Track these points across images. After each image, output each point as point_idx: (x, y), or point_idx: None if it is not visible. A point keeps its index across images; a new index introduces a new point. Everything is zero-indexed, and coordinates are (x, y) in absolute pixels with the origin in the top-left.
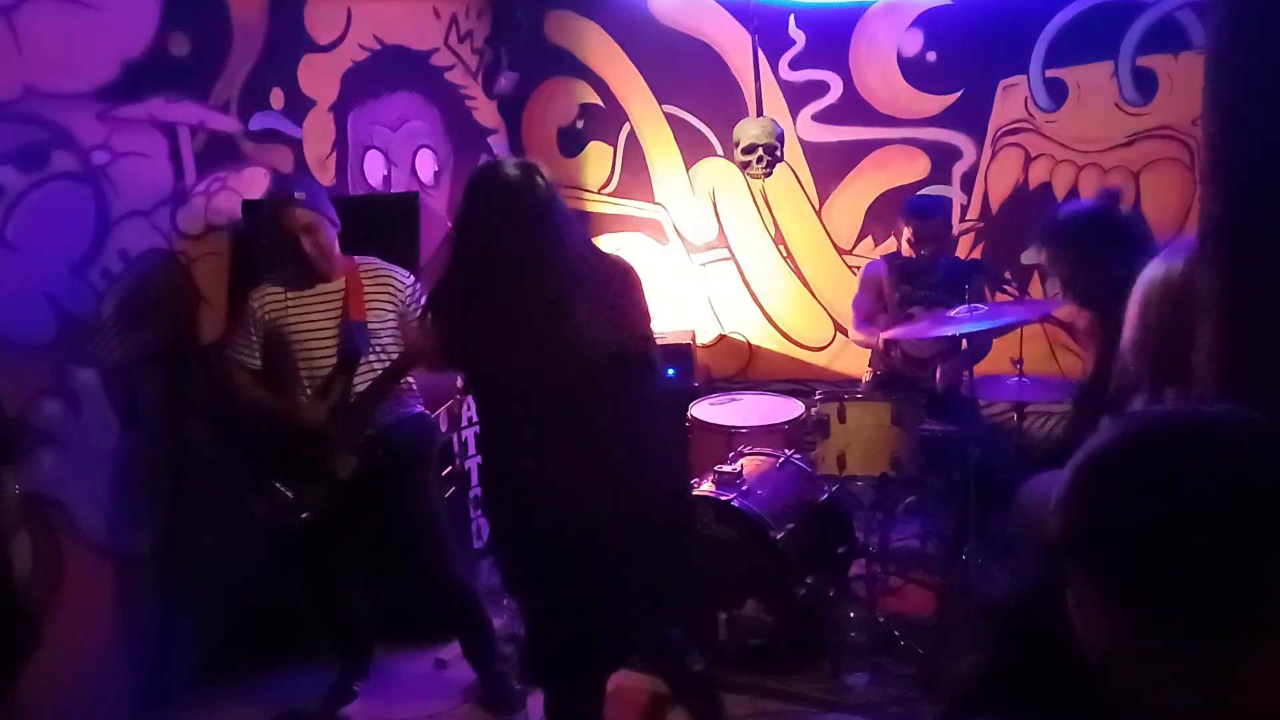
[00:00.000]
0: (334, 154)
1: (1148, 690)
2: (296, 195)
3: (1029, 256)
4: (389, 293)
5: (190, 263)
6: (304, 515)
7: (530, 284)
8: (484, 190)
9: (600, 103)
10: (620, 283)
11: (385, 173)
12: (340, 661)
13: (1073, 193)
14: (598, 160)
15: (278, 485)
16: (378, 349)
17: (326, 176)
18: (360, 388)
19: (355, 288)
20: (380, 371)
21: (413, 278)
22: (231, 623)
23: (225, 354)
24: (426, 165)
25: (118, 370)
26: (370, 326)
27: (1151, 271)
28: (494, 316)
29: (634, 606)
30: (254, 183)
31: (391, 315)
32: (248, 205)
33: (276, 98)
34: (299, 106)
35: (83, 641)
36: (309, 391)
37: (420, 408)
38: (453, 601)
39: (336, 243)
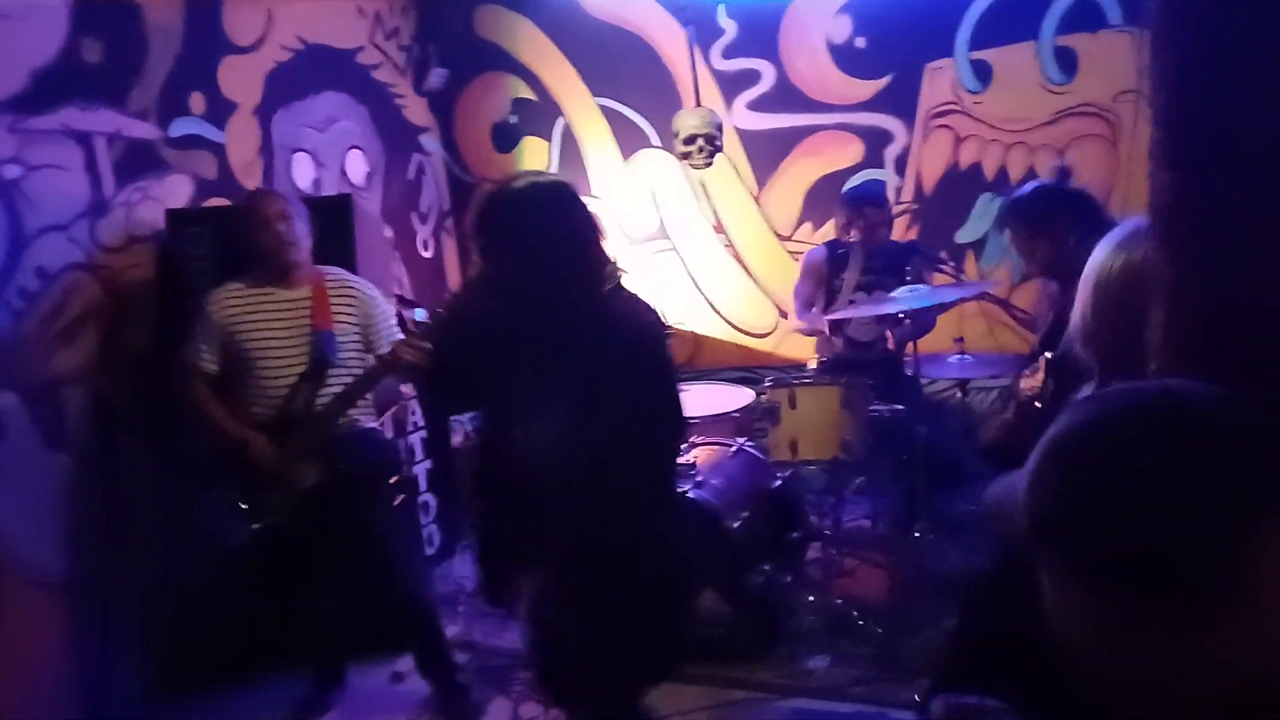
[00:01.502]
0: (260, 158)
1: (1122, 666)
2: (274, 190)
3: (967, 235)
4: (353, 305)
5: (114, 277)
6: (254, 525)
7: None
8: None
9: (533, 97)
10: None
11: (314, 176)
12: (314, 671)
13: (1002, 173)
14: (533, 155)
15: (232, 494)
16: (341, 361)
17: (253, 181)
18: (324, 398)
19: (322, 297)
20: (344, 384)
21: (377, 290)
22: (178, 644)
23: (180, 359)
24: (357, 166)
25: (41, 392)
26: (335, 338)
27: (1106, 256)
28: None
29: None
30: (177, 191)
31: (355, 328)
32: (172, 215)
33: (197, 102)
34: (221, 110)
35: (20, 676)
36: (263, 401)
37: (373, 422)
38: (407, 615)
39: (308, 248)
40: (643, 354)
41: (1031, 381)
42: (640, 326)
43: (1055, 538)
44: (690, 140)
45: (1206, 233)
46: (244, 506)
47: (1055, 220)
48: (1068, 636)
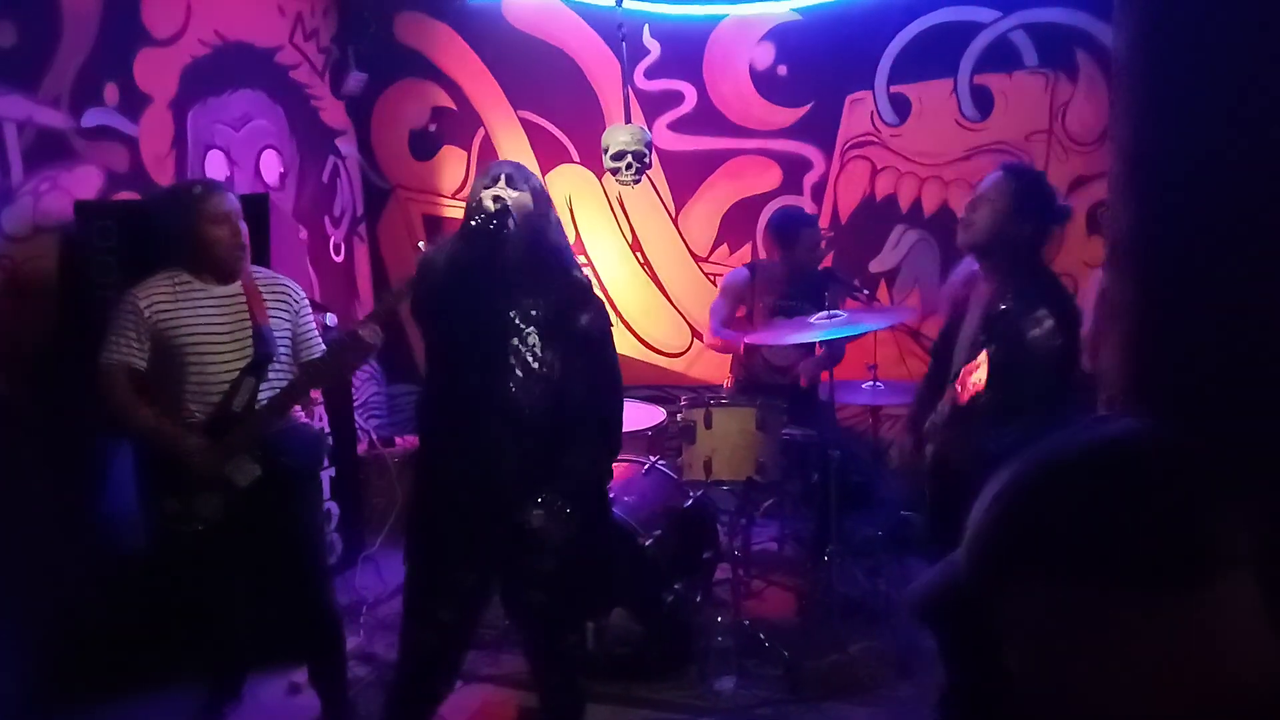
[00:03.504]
0: (173, 153)
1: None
2: (224, 183)
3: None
4: (286, 303)
5: (15, 267)
6: (199, 526)
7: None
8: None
9: (453, 106)
10: None
11: (228, 173)
12: (212, 682)
13: (916, 205)
14: (451, 164)
15: (164, 496)
16: (277, 356)
17: (165, 176)
18: (265, 393)
19: (255, 293)
20: (281, 380)
21: (303, 290)
22: (68, 653)
23: (105, 360)
24: (271, 166)
25: None
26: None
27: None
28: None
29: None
30: (86, 182)
31: (288, 325)
32: (80, 206)
33: (111, 93)
34: (135, 103)
35: None
36: (199, 399)
37: (305, 417)
38: (318, 621)
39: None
40: (585, 321)
41: (979, 374)
42: (582, 300)
43: (1037, 559)
44: (619, 156)
45: (1166, 264)
46: (180, 508)
47: (1039, 210)
48: (1032, 669)
